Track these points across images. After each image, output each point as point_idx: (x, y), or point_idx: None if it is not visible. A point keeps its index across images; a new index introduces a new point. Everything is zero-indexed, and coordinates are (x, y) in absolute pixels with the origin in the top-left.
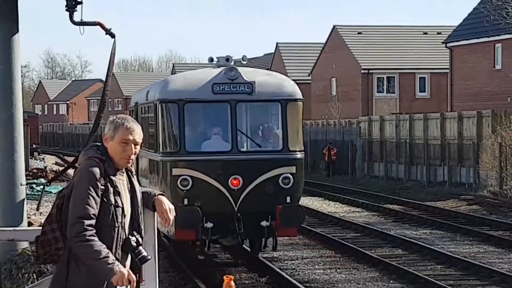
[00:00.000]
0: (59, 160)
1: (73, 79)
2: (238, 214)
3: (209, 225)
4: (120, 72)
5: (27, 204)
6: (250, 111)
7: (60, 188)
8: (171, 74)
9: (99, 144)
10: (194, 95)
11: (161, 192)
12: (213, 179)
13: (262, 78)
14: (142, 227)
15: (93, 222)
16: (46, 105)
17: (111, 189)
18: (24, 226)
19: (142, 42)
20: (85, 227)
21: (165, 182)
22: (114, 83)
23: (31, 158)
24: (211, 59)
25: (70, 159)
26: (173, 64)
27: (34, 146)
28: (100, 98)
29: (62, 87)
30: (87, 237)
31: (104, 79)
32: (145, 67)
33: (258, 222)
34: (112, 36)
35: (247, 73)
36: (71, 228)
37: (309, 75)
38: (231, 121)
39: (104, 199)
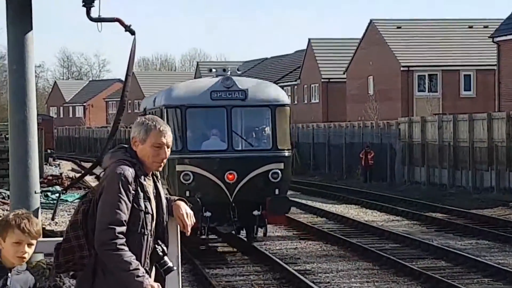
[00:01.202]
0: (75, 166)
1: (90, 79)
2: (233, 204)
3: (208, 214)
4: (140, 72)
5: (41, 213)
6: (244, 115)
7: (77, 196)
8: (195, 73)
9: (126, 146)
10: (194, 101)
11: (180, 197)
12: (212, 174)
13: (254, 86)
14: (167, 236)
15: (124, 229)
16: (61, 107)
17: (141, 194)
18: None
19: (164, 40)
20: (116, 234)
21: (170, 177)
22: (134, 83)
23: (46, 164)
24: (210, 70)
25: (87, 165)
26: (197, 62)
27: (48, 151)
28: (119, 99)
29: (79, 88)
30: (117, 246)
31: (123, 79)
32: (167, 66)
33: (250, 211)
34: (132, 33)
35: (241, 82)
36: (100, 235)
37: (344, 73)
38: (227, 124)
39: (135, 204)
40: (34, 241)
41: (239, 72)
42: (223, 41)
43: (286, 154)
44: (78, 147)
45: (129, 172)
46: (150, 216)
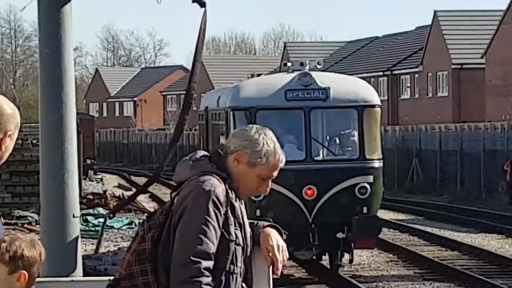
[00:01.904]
0: (123, 182)
1: (143, 66)
2: (313, 226)
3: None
4: (209, 56)
5: (81, 243)
6: (325, 118)
7: (125, 221)
8: (282, 56)
9: (209, 155)
10: (266, 102)
11: (270, 223)
12: (287, 189)
13: (338, 83)
14: (250, 275)
15: (211, 264)
16: (104, 104)
17: (232, 219)
18: (78, 274)
19: (241, 13)
20: (201, 270)
21: None
22: (201, 70)
23: (85, 179)
24: (284, 64)
25: (139, 180)
26: (285, 43)
27: (88, 162)
28: (183, 92)
29: (128, 78)
30: (202, 286)
31: (186, 65)
32: (245, 49)
33: (333, 233)
34: (202, 4)
35: (322, 79)
36: (179, 271)
37: (482, 57)
38: (305, 129)
39: (224, 232)
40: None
41: (319, 67)
42: (319, 14)
43: (377, 164)
44: (126, 156)
45: (221, 189)
46: (241, 248)
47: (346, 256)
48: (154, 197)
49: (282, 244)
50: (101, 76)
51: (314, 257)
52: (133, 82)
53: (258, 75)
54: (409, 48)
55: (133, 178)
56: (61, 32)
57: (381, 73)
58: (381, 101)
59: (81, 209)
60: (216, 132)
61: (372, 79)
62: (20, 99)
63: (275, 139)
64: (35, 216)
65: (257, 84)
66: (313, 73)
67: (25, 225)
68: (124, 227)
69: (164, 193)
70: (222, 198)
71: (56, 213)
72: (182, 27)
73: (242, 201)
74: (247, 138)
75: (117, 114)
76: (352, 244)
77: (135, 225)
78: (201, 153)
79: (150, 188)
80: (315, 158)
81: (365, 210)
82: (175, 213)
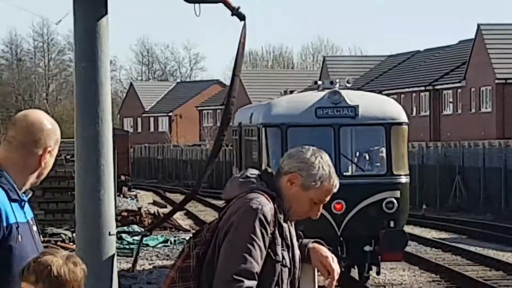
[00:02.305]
0: (158, 199)
1: (178, 80)
2: (341, 239)
3: None
4: (246, 70)
5: (117, 262)
6: (354, 135)
7: (161, 239)
8: (321, 71)
9: (260, 173)
10: (297, 120)
11: (316, 239)
12: None
13: (366, 101)
14: None
15: (254, 284)
16: (139, 119)
17: (279, 240)
18: None
19: (279, 26)
20: None
21: None
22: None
23: (119, 196)
24: (315, 82)
25: (175, 197)
26: (324, 57)
27: (122, 178)
28: (221, 107)
29: (163, 92)
30: None
31: (223, 79)
32: (283, 63)
33: (361, 246)
34: (241, 18)
35: (351, 97)
36: None
37: None
38: (335, 145)
39: (271, 252)
40: None
41: (349, 85)
42: (359, 28)
43: (403, 180)
44: (161, 173)
45: (269, 208)
46: (287, 270)
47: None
48: (190, 215)
49: (333, 256)
50: (136, 91)
51: (343, 269)
52: (168, 97)
53: (291, 92)
54: (451, 63)
55: (168, 195)
56: (97, 46)
57: (422, 88)
58: (423, 116)
59: (116, 226)
60: (249, 147)
61: (414, 94)
62: (53, 113)
63: (330, 163)
64: (69, 234)
65: (288, 101)
66: (343, 91)
67: (59, 243)
68: (160, 245)
69: (200, 210)
70: (270, 217)
71: (91, 231)
72: (219, 41)
73: (292, 223)
74: (303, 160)
75: (151, 129)
76: (379, 257)
77: (171, 243)
78: (252, 171)
79: (186, 206)
80: (344, 173)
81: (392, 224)
82: (221, 230)
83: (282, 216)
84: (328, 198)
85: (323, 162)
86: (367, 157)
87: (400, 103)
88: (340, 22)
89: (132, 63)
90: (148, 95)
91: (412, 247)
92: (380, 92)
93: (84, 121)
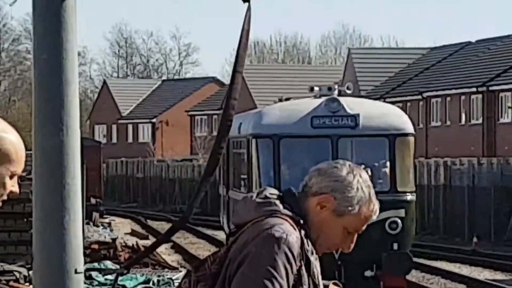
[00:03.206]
0: (138, 228)
1: (165, 77)
2: (339, 263)
3: None
4: (250, 65)
5: None
6: (354, 147)
7: (141, 279)
8: (345, 66)
9: (279, 193)
10: (291, 130)
11: (335, 281)
12: None
13: (368, 110)
14: None
15: None
16: (114, 126)
17: (305, 278)
18: None
19: (292, 12)
20: None
21: None
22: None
23: (88, 224)
24: (311, 89)
25: (159, 226)
26: (349, 49)
27: (93, 201)
28: (218, 112)
29: (145, 93)
30: None
31: (221, 77)
32: (297, 56)
33: (361, 271)
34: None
35: (351, 105)
36: None
37: None
38: (333, 158)
39: None
40: None
41: (349, 92)
42: (394, 13)
43: (409, 198)
44: (142, 195)
45: (295, 238)
46: None
47: None
48: (178, 248)
49: None
50: (110, 90)
51: None
52: (152, 99)
53: (287, 99)
54: (511, 58)
55: (150, 223)
56: (62, 33)
57: (474, 90)
58: (474, 125)
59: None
60: (237, 162)
61: (463, 97)
62: (5, 118)
63: (370, 184)
64: (24, 271)
65: (281, 109)
66: (342, 99)
67: (11, 283)
68: (139, 287)
69: (191, 242)
70: (296, 249)
71: (53, 268)
72: (216, 28)
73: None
74: (338, 178)
75: (130, 139)
76: (381, 283)
77: (154, 284)
78: (271, 190)
79: (173, 237)
80: None
81: (395, 246)
82: (232, 261)
83: (310, 248)
84: (364, 227)
85: (362, 182)
86: (369, 172)
87: (445, 108)
88: (369, 5)
89: (105, 56)
90: (126, 96)
91: None
92: (420, 94)
93: (45, 128)
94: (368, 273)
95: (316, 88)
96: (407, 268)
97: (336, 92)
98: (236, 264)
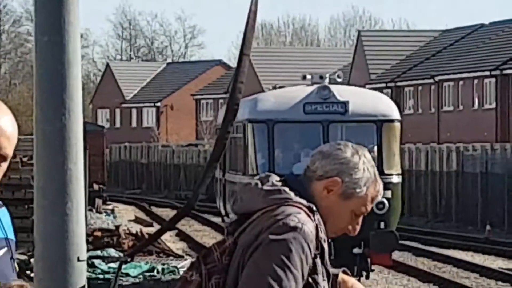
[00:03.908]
0: (142, 215)
1: (169, 60)
2: (329, 240)
3: None
4: (258, 48)
5: None
6: (344, 132)
7: (145, 267)
8: (355, 48)
9: (284, 179)
10: (284, 115)
11: (344, 269)
12: None
13: (357, 97)
14: None
15: None
16: (117, 110)
17: (320, 268)
18: None
19: None
20: None
21: None
22: (248, 67)
23: (90, 210)
24: (303, 77)
25: (164, 212)
26: (359, 31)
27: (96, 187)
28: (224, 96)
29: (149, 76)
30: None
31: (227, 60)
32: (305, 38)
33: (350, 248)
34: None
35: (341, 92)
36: None
37: None
38: (323, 143)
39: (313, 284)
40: None
41: (339, 80)
42: None
43: (395, 180)
44: (146, 181)
45: (311, 227)
46: None
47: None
48: (183, 236)
49: None
50: (114, 74)
51: None
52: (156, 82)
53: (281, 87)
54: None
55: (154, 209)
56: (64, 14)
57: (487, 73)
58: (487, 110)
59: (87, 250)
60: (233, 146)
61: (476, 81)
62: (6, 102)
63: (373, 163)
64: (25, 259)
65: (275, 96)
66: (332, 87)
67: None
68: (141, 276)
69: (196, 230)
70: (312, 239)
71: (55, 256)
72: (222, 10)
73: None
74: (343, 161)
75: (134, 124)
76: (369, 260)
77: (158, 272)
78: (275, 176)
79: (178, 224)
80: None
81: (382, 225)
82: (244, 251)
83: (323, 236)
84: (370, 208)
85: (367, 162)
86: (371, 153)
87: (458, 92)
88: None
89: (109, 38)
90: (130, 79)
91: (472, 280)
92: (432, 77)
93: (47, 112)
94: (356, 250)
95: (309, 76)
96: (393, 246)
97: (327, 80)
98: (249, 254)
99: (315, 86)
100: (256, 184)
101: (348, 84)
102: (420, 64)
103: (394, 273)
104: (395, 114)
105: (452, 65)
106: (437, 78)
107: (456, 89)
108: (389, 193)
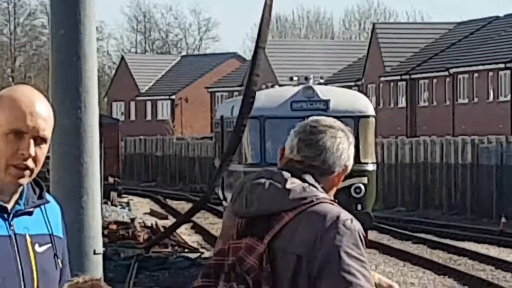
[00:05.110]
0: (157, 207)
1: (184, 53)
2: None
3: None
4: (272, 41)
5: None
6: None
7: (160, 260)
8: (370, 42)
9: (301, 176)
10: (274, 112)
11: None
12: None
13: (337, 96)
14: None
15: None
16: (132, 103)
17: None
18: None
19: None
20: None
21: None
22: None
23: (106, 203)
24: (291, 78)
25: (179, 205)
26: (373, 24)
27: (111, 180)
28: (238, 89)
29: (163, 69)
30: None
31: (242, 53)
32: (320, 31)
33: None
34: None
35: (324, 92)
36: None
37: None
38: None
39: None
40: None
41: (322, 81)
42: None
43: (370, 168)
44: (161, 174)
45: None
46: None
47: None
48: (198, 229)
49: (393, 284)
50: (128, 66)
51: None
52: (171, 75)
53: (272, 86)
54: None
55: (169, 202)
56: (80, 7)
57: (502, 66)
58: (502, 102)
59: (103, 243)
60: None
61: (490, 73)
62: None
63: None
64: None
65: (266, 95)
66: (316, 87)
67: None
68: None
69: (211, 223)
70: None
71: (71, 249)
72: (237, 2)
73: None
74: (336, 138)
75: (148, 117)
76: None
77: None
78: (286, 173)
79: (193, 217)
80: None
81: (359, 207)
82: (299, 260)
83: None
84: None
85: (341, 128)
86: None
87: (472, 84)
88: None
89: (123, 31)
90: (145, 72)
91: (487, 273)
92: (447, 70)
93: (62, 106)
94: None
95: (295, 78)
96: (368, 226)
97: (311, 81)
98: (319, 264)
99: (301, 86)
100: (271, 184)
101: (363, 76)
102: (434, 57)
103: (409, 266)
104: (370, 110)
105: (467, 57)
106: (452, 71)
107: (471, 82)
108: (365, 179)
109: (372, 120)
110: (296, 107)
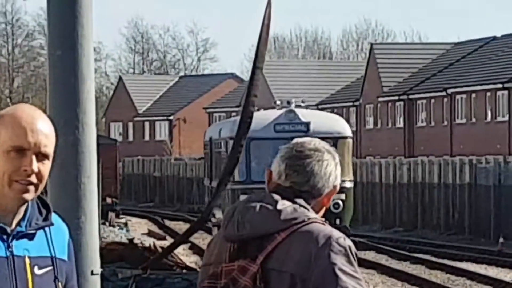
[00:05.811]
0: (155, 228)
1: (182, 74)
2: None
3: None
4: (270, 61)
5: None
6: None
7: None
8: (368, 62)
9: (289, 198)
10: (259, 134)
11: None
12: None
13: (317, 118)
14: None
15: None
16: (130, 124)
17: None
18: None
19: (313, 5)
20: None
21: None
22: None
23: (104, 224)
24: (274, 102)
25: (177, 226)
26: (371, 44)
27: (109, 200)
28: (236, 109)
29: (161, 90)
30: None
31: (239, 73)
32: (318, 51)
33: None
34: None
35: (304, 115)
36: None
37: None
38: None
39: None
40: None
41: (303, 105)
42: (417, 8)
43: (348, 185)
44: (159, 194)
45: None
46: None
47: None
48: (196, 249)
49: None
50: (126, 87)
51: None
52: (169, 95)
53: (258, 110)
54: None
55: (167, 223)
56: (78, 28)
57: (500, 86)
58: (500, 123)
59: (101, 264)
60: (218, 159)
61: (488, 93)
62: None
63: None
64: None
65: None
66: (297, 110)
67: None
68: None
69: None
70: None
71: None
72: (234, 23)
73: None
74: (333, 168)
75: (146, 137)
76: None
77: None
78: (277, 195)
79: (191, 237)
80: None
81: (337, 221)
82: (293, 279)
83: None
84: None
85: (334, 163)
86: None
87: (470, 104)
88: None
89: (121, 52)
90: (142, 93)
91: None
92: (445, 90)
93: (60, 126)
94: None
95: (278, 102)
96: None
97: (293, 105)
98: (314, 281)
99: (284, 109)
100: (262, 206)
101: (361, 96)
102: (432, 77)
103: (408, 286)
104: (348, 132)
105: (464, 77)
106: (449, 91)
107: (469, 102)
108: (343, 196)
109: (350, 140)
110: (279, 129)
